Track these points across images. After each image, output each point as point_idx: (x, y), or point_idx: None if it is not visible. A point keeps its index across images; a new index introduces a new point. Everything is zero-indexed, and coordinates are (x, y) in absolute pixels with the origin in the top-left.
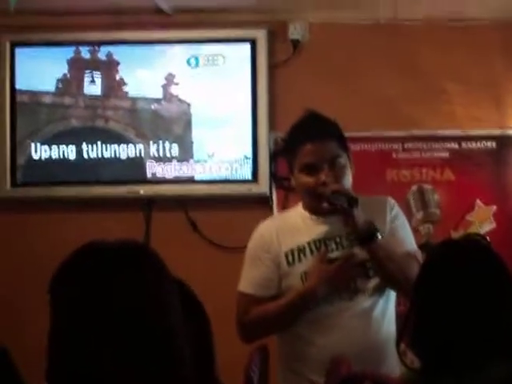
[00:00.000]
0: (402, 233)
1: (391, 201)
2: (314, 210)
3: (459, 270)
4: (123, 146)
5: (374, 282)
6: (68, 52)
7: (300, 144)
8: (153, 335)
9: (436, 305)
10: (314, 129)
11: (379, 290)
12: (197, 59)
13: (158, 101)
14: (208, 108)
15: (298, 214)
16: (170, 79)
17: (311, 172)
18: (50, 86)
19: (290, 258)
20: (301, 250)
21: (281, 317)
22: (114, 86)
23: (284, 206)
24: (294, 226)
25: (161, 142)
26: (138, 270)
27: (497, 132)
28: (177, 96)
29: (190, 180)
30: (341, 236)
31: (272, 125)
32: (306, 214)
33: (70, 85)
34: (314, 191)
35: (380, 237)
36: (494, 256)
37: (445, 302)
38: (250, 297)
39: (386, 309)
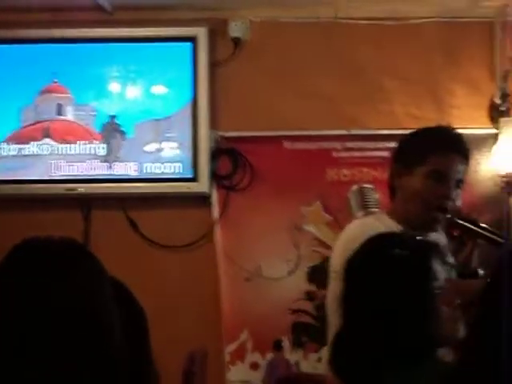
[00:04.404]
0: None
1: None
2: (420, 218)
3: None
4: (65, 144)
5: None
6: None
7: (441, 149)
8: (89, 336)
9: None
10: (462, 144)
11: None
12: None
13: None
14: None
15: (383, 222)
16: None
17: (437, 181)
18: None
19: None
20: None
21: None
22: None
23: (224, 205)
24: None
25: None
26: (75, 270)
27: None
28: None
29: (130, 178)
30: None
31: (213, 123)
32: (394, 223)
33: None
34: (435, 201)
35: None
36: None
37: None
38: None
39: None
